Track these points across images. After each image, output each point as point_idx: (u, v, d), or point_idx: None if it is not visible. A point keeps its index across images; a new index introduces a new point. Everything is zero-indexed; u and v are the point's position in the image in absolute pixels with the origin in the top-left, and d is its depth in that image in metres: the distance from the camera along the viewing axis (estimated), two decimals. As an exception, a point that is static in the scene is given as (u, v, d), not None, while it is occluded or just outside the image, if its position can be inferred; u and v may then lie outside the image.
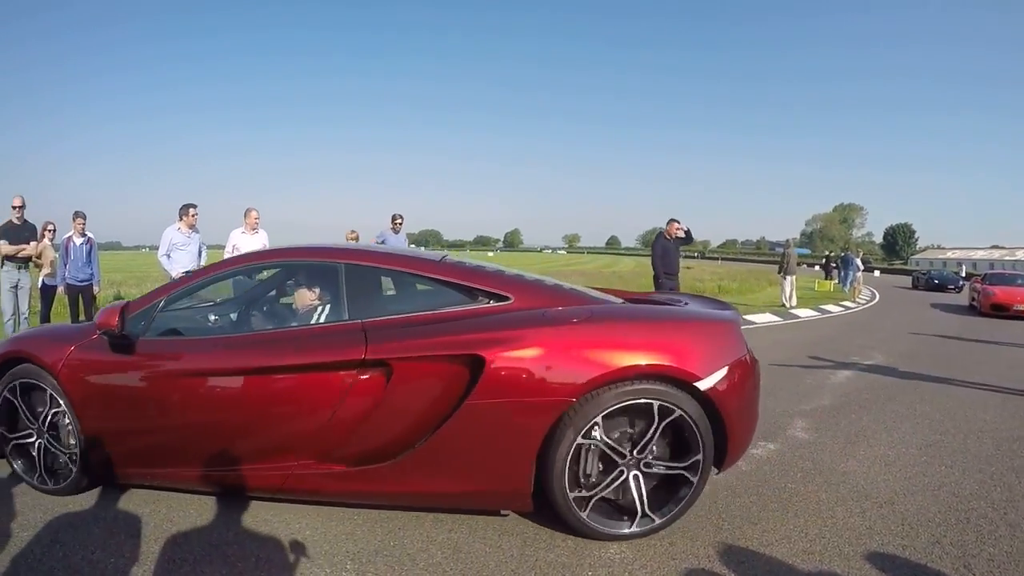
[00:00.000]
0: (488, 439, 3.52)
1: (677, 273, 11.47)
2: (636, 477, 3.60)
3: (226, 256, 8.35)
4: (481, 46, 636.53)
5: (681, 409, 3.49)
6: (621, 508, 3.67)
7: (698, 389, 3.51)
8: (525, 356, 3.46)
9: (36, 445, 4.17)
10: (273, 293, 4.98)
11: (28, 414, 4.19)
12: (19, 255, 9.28)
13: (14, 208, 9.34)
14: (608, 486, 3.59)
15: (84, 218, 9.86)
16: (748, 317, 15.84)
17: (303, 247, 4.73)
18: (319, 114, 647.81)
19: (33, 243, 9.48)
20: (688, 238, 11.44)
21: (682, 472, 3.63)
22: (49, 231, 9.89)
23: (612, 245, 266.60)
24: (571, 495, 3.53)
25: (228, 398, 3.85)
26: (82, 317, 9.85)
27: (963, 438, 5.90)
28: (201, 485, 4.03)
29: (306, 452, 3.72)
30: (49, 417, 4.09)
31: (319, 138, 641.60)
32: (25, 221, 9.49)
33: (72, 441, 4.01)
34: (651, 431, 3.52)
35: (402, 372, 3.58)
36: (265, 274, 5.12)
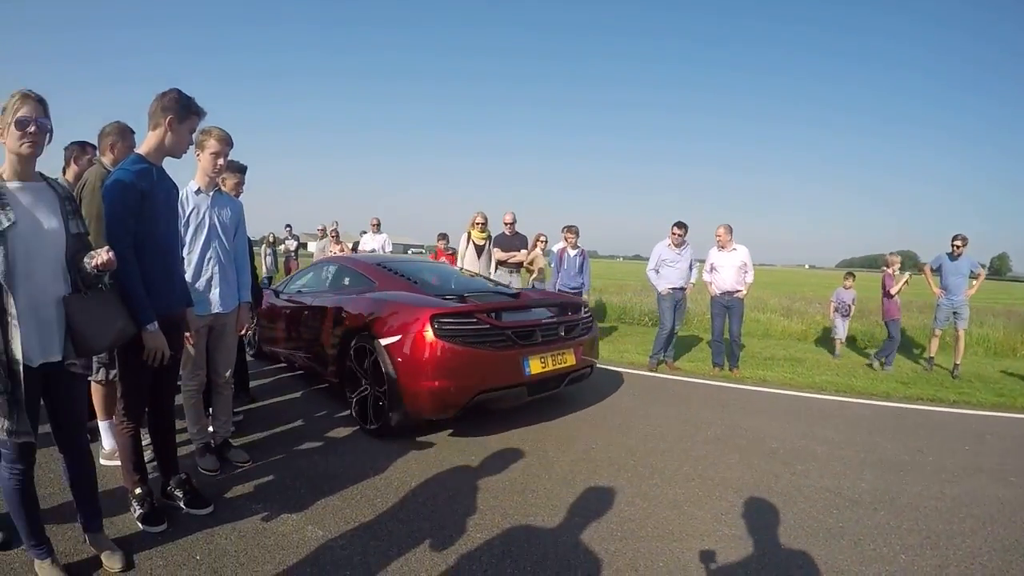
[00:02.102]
0: (331, 345, 6.30)
1: None
2: (372, 395, 5.53)
3: (705, 272, 9.61)
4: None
5: (378, 354, 5.34)
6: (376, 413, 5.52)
7: (380, 343, 5.31)
8: (339, 307, 6.27)
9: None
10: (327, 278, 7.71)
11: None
12: (510, 261, 10.23)
13: (506, 224, 10.40)
14: (358, 393, 5.68)
15: (577, 233, 10.62)
16: None
17: (336, 256, 9.50)
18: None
19: (523, 251, 10.39)
20: None
21: (382, 395, 5.35)
22: (541, 242, 10.89)
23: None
24: (347, 388, 5.92)
25: (293, 318, 7.37)
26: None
27: None
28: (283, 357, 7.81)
29: (306, 343, 6.96)
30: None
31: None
32: (516, 233, 10.46)
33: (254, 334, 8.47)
34: (368, 367, 5.56)
35: (328, 311, 6.50)
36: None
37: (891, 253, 10.83)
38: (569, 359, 5.85)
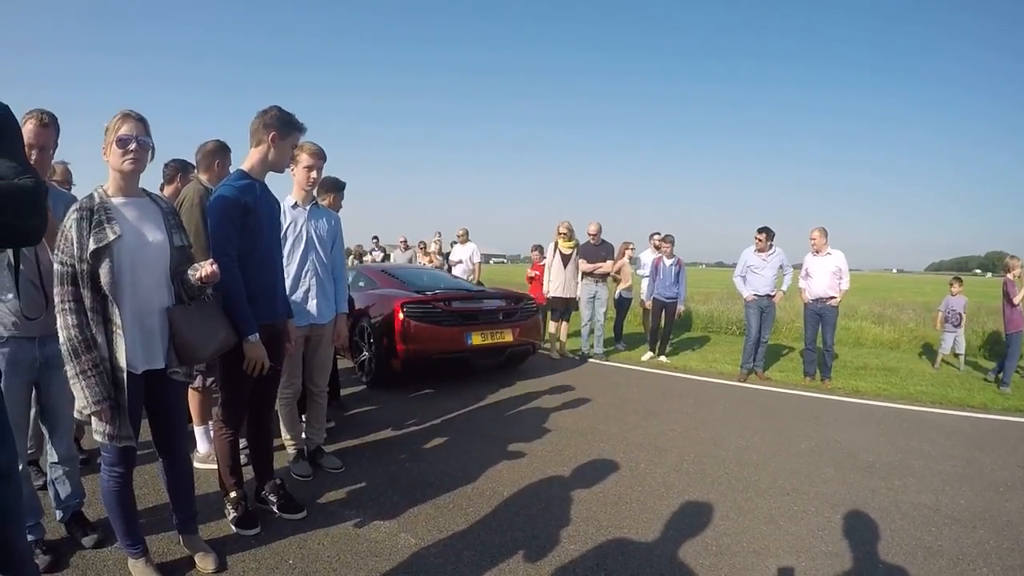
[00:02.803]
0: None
1: None
2: (368, 357, 7.79)
3: (800, 278, 9.21)
4: None
5: (371, 329, 7.65)
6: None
7: (370, 320, 7.58)
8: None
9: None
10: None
11: None
12: (596, 272, 10.22)
13: (590, 235, 10.37)
14: (360, 359, 7.97)
15: (672, 242, 10.55)
16: None
17: (362, 265, 12.04)
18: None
19: (609, 261, 10.34)
20: None
21: (372, 357, 7.78)
22: (630, 250, 10.88)
23: None
24: (354, 355, 8.07)
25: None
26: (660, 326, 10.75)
27: None
28: None
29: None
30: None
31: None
32: (603, 242, 10.41)
33: None
34: (367, 338, 7.77)
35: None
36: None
37: (1011, 256, 9.53)
38: (507, 337, 8.17)
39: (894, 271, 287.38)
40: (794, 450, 5.69)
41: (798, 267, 9.32)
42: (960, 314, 10.56)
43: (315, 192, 4.77)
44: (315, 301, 4.51)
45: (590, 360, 10.32)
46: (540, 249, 12.35)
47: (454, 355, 7.70)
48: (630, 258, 11.56)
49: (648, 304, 10.94)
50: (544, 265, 11.17)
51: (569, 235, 10.22)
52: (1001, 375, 9.11)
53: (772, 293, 9.10)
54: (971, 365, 10.90)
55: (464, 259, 13.26)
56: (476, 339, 7.80)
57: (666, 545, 3.69)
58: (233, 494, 3.74)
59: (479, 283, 12.73)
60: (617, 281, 11.47)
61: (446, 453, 5.27)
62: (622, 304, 12.00)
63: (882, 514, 4.27)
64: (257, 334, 3.40)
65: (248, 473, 4.04)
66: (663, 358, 10.53)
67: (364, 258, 18.43)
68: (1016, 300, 9.04)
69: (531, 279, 12.28)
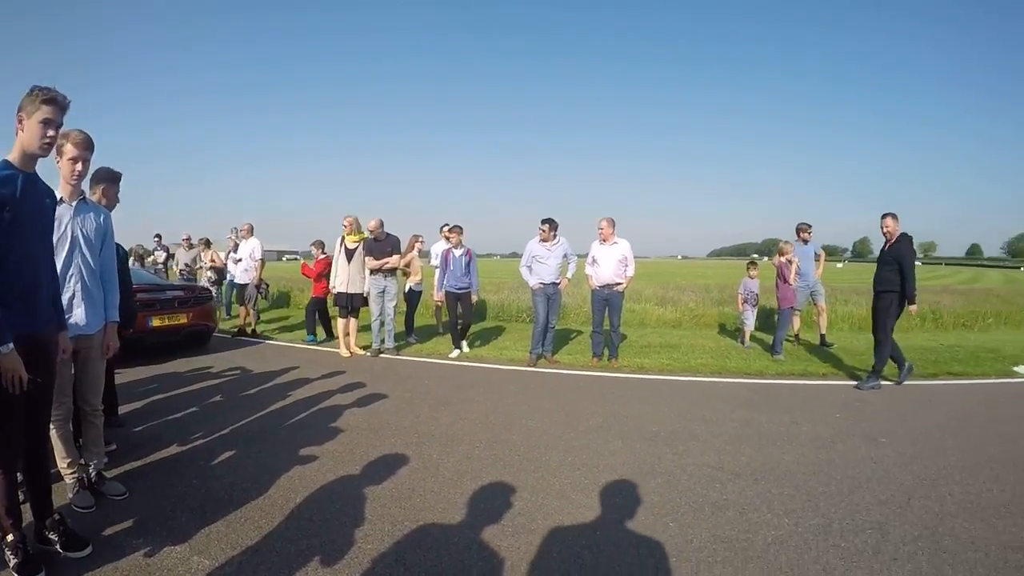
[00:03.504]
0: None
1: None
2: None
3: (587, 265, 9.59)
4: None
5: None
6: None
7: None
8: None
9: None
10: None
11: None
12: (384, 268, 10.07)
13: (370, 231, 10.19)
14: None
15: (460, 232, 10.52)
16: None
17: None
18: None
19: (396, 256, 10.22)
20: None
21: None
22: (420, 243, 10.79)
23: (974, 255, 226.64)
24: None
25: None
26: (444, 319, 10.96)
27: None
28: None
29: None
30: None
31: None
32: (388, 235, 10.26)
33: None
34: None
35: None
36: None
37: (784, 242, 10.87)
38: (181, 320, 10.24)
39: (679, 257, 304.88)
40: (583, 427, 5.95)
41: (584, 256, 9.64)
42: (757, 295, 11.70)
43: (85, 186, 4.25)
44: (81, 308, 4.00)
45: (381, 355, 10.24)
46: (321, 244, 12.20)
47: (139, 335, 9.18)
48: (420, 251, 11.47)
49: (439, 297, 10.94)
50: (323, 259, 11.31)
51: (352, 229, 10.14)
52: (773, 347, 10.07)
53: (558, 281, 9.47)
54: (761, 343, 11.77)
55: (244, 256, 12.74)
56: (156, 322, 9.85)
57: (463, 531, 3.75)
58: (11, 537, 3.30)
59: (261, 280, 12.39)
60: (407, 275, 11.35)
61: (235, 465, 5.03)
62: (412, 297, 11.99)
63: (668, 477, 4.60)
64: (11, 344, 2.99)
65: (26, 512, 3.59)
66: (465, 348, 10.54)
67: (147, 260, 17.30)
68: (791, 280, 10.22)
69: (308, 272, 12.31)
